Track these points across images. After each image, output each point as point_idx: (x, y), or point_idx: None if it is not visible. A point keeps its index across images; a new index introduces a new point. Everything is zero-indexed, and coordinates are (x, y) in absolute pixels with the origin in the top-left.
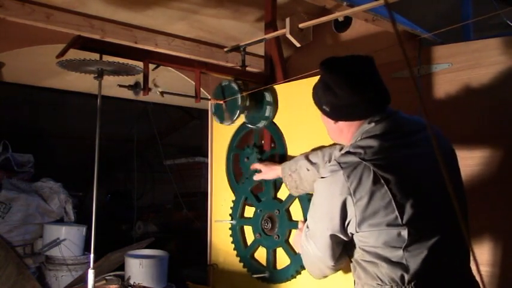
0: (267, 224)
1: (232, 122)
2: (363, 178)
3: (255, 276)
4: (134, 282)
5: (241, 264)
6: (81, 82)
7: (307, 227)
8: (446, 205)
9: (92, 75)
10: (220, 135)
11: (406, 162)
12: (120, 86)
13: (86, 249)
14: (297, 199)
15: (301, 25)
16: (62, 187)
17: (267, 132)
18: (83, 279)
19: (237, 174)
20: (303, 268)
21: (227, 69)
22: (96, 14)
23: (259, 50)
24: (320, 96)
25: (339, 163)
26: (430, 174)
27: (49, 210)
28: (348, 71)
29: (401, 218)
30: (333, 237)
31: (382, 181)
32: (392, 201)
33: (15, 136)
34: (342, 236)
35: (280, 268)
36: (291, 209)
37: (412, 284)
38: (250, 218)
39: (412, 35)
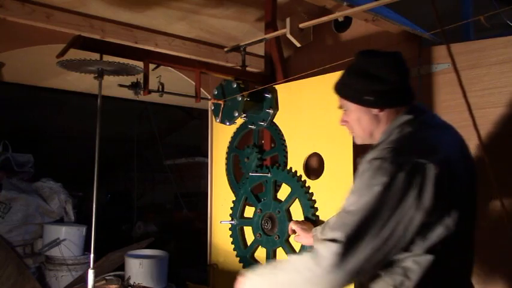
0: (267, 224)
1: (232, 122)
2: (426, 179)
3: None
4: (134, 282)
5: (241, 264)
6: (81, 82)
7: None
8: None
9: (92, 75)
10: (220, 135)
11: (453, 163)
12: (120, 85)
13: (86, 249)
14: (297, 199)
15: (301, 25)
16: (62, 187)
17: (267, 132)
18: (83, 279)
19: (237, 174)
20: None
21: (227, 69)
22: (96, 14)
23: (259, 50)
24: (359, 88)
25: (398, 164)
26: (465, 175)
27: (49, 210)
28: (390, 56)
29: (453, 223)
30: None
31: (444, 181)
32: (448, 203)
33: (15, 136)
34: None
35: None
36: (291, 209)
37: None
38: (250, 218)
39: (412, 35)
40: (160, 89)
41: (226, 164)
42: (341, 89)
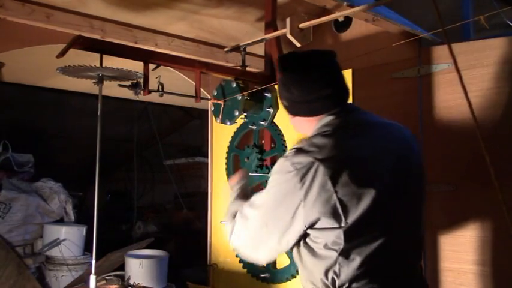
0: None
1: (233, 121)
2: (315, 179)
3: (261, 275)
4: (134, 282)
5: (241, 264)
6: (82, 82)
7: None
8: (401, 206)
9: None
10: (220, 135)
11: (359, 161)
12: (120, 85)
13: (86, 249)
14: None
15: (301, 25)
16: (62, 187)
17: (267, 132)
18: (83, 279)
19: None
20: None
21: (227, 69)
22: (96, 14)
23: (259, 50)
24: (280, 91)
25: (293, 163)
26: (389, 172)
27: (49, 210)
28: (302, 69)
29: (345, 222)
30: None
31: (330, 184)
32: (338, 204)
33: (15, 136)
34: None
35: (280, 268)
36: None
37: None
38: None
39: (412, 35)
40: (160, 89)
41: (226, 164)
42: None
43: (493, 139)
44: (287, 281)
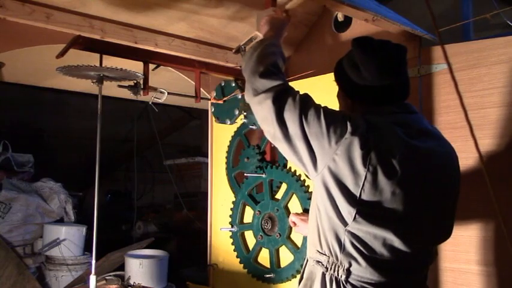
0: (267, 224)
1: (233, 121)
2: (353, 148)
3: (266, 276)
4: (134, 282)
5: (242, 265)
6: (82, 82)
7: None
8: (424, 217)
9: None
10: (220, 135)
11: (410, 157)
12: (120, 86)
13: (86, 249)
14: (294, 195)
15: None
16: (62, 187)
17: None
18: (83, 279)
19: (237, 174)
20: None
21: (227, 69)
22: (96, 14)
23: None
24: (342, 70)
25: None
26: (432, 181)
27: (49, 210)
28: (379, 53)
29: (360, 194)
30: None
31: (373, 155)
32: (364, 175)
33: (15, 136)
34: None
35: (285, 266)
36: (289, 205)
37: (344, 268)
38: (250, 222)
39: (412, 35)
40: (159, 97)
41: (226, 164)
42: (336, 64)
43: (492, 139)
44: (293, 278)
